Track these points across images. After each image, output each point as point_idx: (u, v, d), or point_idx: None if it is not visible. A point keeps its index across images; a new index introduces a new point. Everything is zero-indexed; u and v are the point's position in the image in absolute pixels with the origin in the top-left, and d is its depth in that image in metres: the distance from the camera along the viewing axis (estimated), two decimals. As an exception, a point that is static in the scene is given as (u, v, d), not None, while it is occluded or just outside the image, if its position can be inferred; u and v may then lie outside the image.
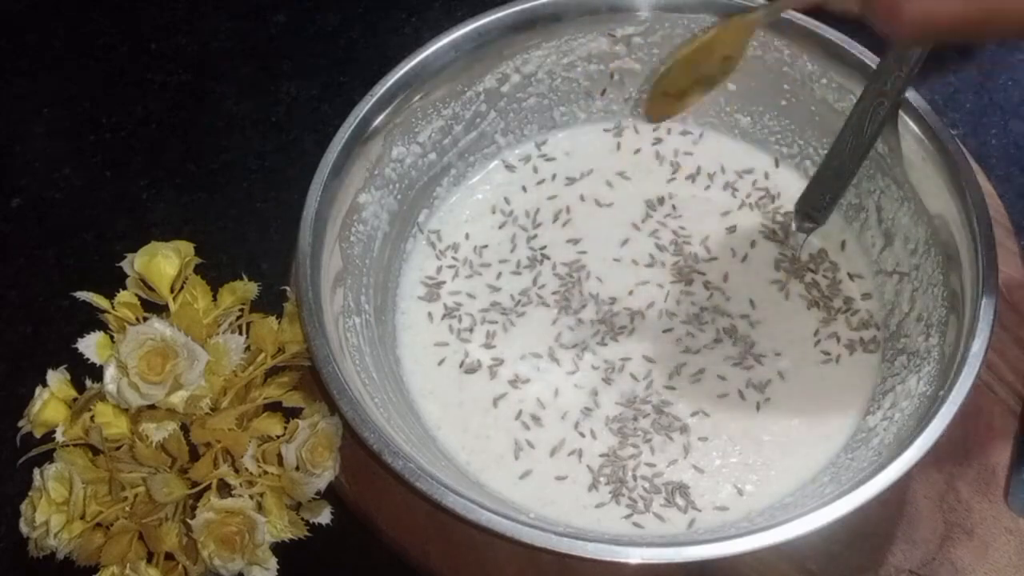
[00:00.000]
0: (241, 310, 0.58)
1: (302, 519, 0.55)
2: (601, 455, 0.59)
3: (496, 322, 0.63)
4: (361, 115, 0.60)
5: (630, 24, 0.66)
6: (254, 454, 0.54)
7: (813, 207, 0.63)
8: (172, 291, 0.56)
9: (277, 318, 0.57)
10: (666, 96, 0.53)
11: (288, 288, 0.59)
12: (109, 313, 0.55)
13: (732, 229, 0.66)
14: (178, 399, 0.52)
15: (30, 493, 0.53)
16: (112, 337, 0.54)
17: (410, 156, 0.64)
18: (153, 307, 0.56)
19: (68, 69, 0.82)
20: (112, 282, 0.56)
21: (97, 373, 0.53)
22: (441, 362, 0.62)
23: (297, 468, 0.54)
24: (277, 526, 0.53)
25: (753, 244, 0.66)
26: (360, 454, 0.54)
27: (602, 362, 0.61)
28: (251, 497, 0.53)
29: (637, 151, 0.70)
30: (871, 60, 0.60)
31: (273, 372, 0.57)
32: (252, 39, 0.82)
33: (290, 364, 0.57)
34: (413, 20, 0.83)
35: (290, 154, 0.76)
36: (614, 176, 0.69)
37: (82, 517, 0.52)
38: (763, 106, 0.67)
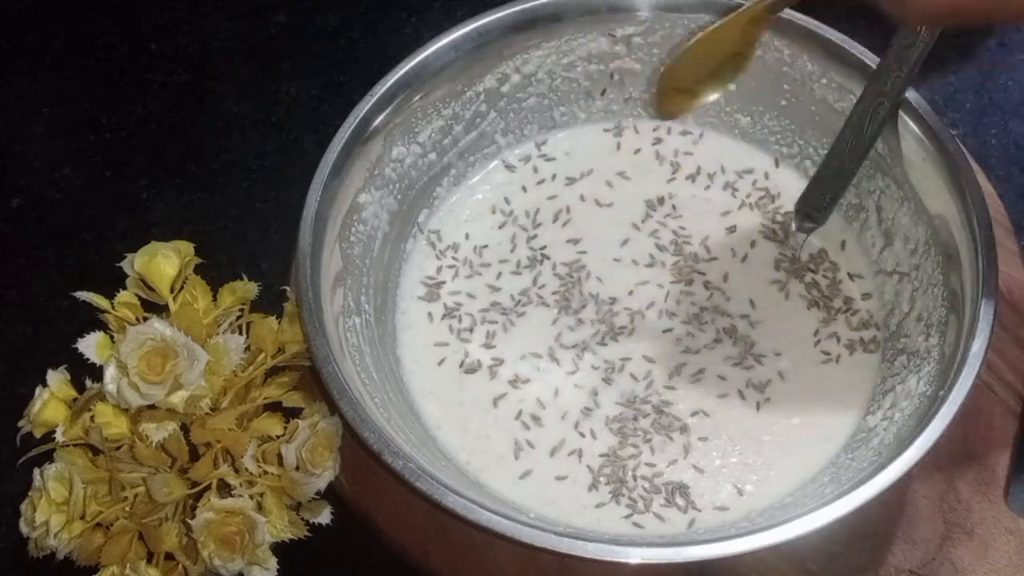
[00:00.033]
0: (241, 310, 0.58)
1: (302, 519, 0.55)
2: (601, 455, 0.59)
3: (496, 322, 0.63)
4: (361, 115, 0.60)
5: (630, 24, 0.66)
6: (254, 454, 0.54)
7: (813, 207, 0.63)
8: (172, 291, 0.56)
9: (277, 318, 0.57)
10: (677, 92, 0.53)
11: (288, 288, 0.59)
12: (109, 313, 0.55)
13: (732, 229, 0.66)
14: (178, 399, 0.52)
15: (30, 493, 0.53)
16: (112, 337, 0.54)
17: (410, 156, 0.64)
18: (153, 307, 0.56)
19: (68, 69, 0.82)
20: (112, 282, 0.56)
21: (97, 373, 0.53)
22: (441, 362, 0.62)
23: (297, 468, 0.54)
24: (277, 526, 0.53)
25: (753, 244, 0.66)
26: (360, 454, 0.54)
27: (602, 362, 0.61)
28: (251, 497, 0.53)
29: (637, 151, 0.70)
30: (871, 60, 0.59)
31: (273, 372, 0.57)
32: (252, 39, 0.82)
33: (290, 364, 0.57)
34: (413, 20, 0.83)
35: (290, 154, 0.76)
36: (614, 176, 0.69)
37: (82, 517, 0.52)
38: (763, 106, 0.67)
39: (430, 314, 0.64)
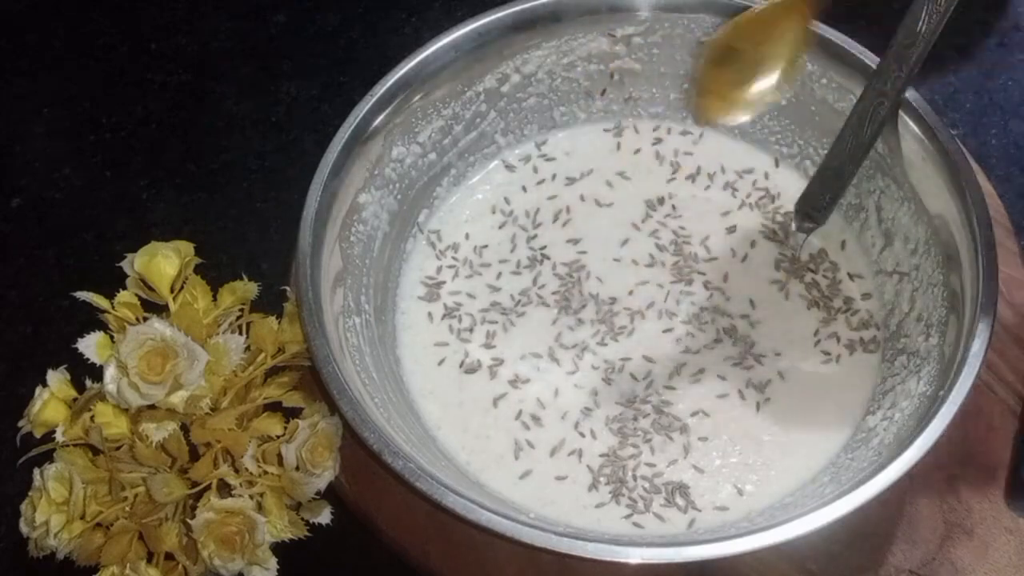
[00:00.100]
0: (241, 310, 0.58)
1: (302, 519, 0.55)
2: (601, 455, 0.59)
3: (496, 322, 0.63)
4: (361, 115, 0.60)
5: (630, 24, 0.66)
6: (254, 454, 0.54)
7: (813, 207, 0.63)
8: (172, 291, 0.56)
9: (277, 318, 0.57)
10: (715, 95, 0.52)
11: (288, 288, 0.59)
12: (109, 313, 0.55)
13: (732, 229, 0.66)
14: (178, 399, 0.52)
15: (30, 493, 0.53)
16: (112, 337, 0.54)
17: (410, 156, 0.64)
18: (153, 307, 0.56)
19: (68, 69, 0.82)
20: (112, 282, 0.56)
21: (97, 373, 0.53)
22: (441, 362, 0.62)
23: (297, 468, 0.54)
24: (277, 526, 0.53)
25: (753, 244, 0.66)
26: (360, 454, 0.54)
27: (602, 362, 0.61)
28: (251, 497, 0.53)
29: (637, 151, 0.70)
30: (871, 60, 0.59)
31: (273, 372, 0.57)
32: (252, 39, 0.83)
33: (290, 364, 0.57)
34: (413, 20, 0.83)
35: (290, 154, 0.76)
36: (614, 176, 0.69)
37: (82, 517, 0.52)
38: (763, 106, 0.67)
39: (430, 314, 0.64)
